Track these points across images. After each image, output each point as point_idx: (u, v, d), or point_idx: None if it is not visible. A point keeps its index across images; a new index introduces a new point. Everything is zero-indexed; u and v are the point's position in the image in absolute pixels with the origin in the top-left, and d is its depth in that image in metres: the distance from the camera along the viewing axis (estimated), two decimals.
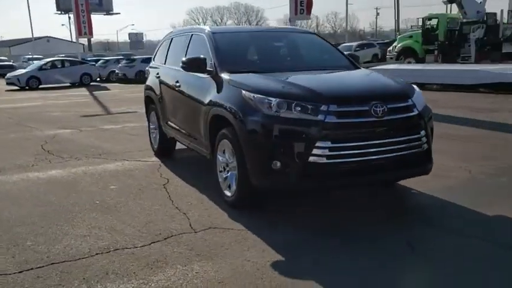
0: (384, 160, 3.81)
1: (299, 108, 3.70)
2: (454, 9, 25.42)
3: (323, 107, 3.66)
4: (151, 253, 3.39)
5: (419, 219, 4.00)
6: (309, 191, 4.41)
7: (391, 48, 26.55)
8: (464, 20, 22.38)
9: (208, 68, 4.71)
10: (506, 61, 20.29)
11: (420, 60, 22.79)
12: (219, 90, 4.49)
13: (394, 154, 3.84)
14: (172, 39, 6.40)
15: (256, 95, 3.88)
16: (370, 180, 3.94)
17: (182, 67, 4.86)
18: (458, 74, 15.00)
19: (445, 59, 21.59)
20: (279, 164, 3.71)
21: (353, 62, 5.28)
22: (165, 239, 3.64)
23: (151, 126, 6.92)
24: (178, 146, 6.42)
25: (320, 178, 3.72)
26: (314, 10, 16.12)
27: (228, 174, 4.35)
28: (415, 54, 23.26)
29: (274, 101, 3.76)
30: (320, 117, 3.64)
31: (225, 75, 4.51)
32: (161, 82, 6.14)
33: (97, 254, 3.39)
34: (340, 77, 4.73)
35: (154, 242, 3.58)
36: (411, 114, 3.94)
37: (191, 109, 5.09)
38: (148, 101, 6.85)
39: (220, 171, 4.52)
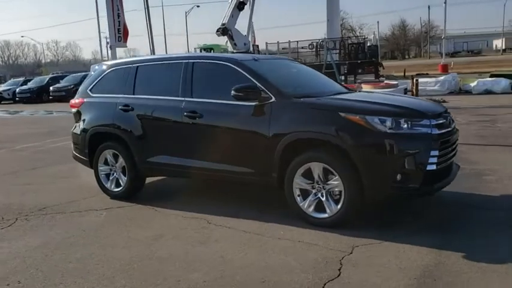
0: (453, 163, 4.67)
1: (407, 125, 4.21)
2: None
3: (425, 121, 4.28)
4: (366, 276, 3.39)
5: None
6: (421, 196, 4.82)
7: None
8: (235, 51, 25.14)
9: (263, 95, 4.68)
10: None
11: None
12: (287, 116, 4.54)
13: (454, 157, 4.75)
14: (137, 68, 5.79)
15: (368, 116, 4.21)
16: (451, 180, 4.69)
17: (236, 96, 4.66)
18: None
19: None
20: (401, 176, 4.14)
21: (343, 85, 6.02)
22: (340, 266, 3.62)
23: (101, 168, 5.98)
24: None
25: (431, 183, 4.31)
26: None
27: (320, 195, 4.46)
28: None
29: (388, 119, 4.18)
30: (428, 130, 4.26)
31: (294, 100, 4.62)
32: (142, 116, 5.51)
33: None
34: (391, 97, 5.39)
35: (342, 265, 3.54)
36: (454, 123, 4.93)
37: (236, 141, 4.87)
38: (98, 140, 5.93)
39: (299, 195, 4.56)
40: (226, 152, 4.99)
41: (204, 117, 5.04)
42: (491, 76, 20.22)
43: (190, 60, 5.38)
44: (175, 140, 5.32)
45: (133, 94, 5.70)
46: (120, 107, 5.69)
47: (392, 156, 4.14)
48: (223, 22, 24.65)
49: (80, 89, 6.39)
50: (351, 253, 3.83)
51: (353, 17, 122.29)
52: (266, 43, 24.67)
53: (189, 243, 4.24)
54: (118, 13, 14.50)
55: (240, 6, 24.85)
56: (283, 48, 24.90)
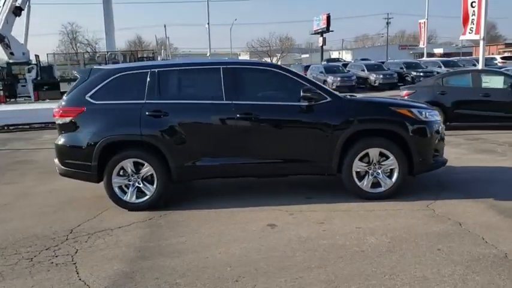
0: None
1: (429, 114, 5.75)
2: None
3: (434, 112, 5.90)
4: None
5: None
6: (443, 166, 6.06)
7: None
8: (12, 61, 22.34)
9: (321, 96, 5.48)
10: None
11: None
12: (347, 112, 5.48)
13: None
14: (158, 72, 5.62)
15: (412, 109, 5.56)
16: None
17: (304, 96, 5.32)
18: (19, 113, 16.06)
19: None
20: (436, 151, 5.67)
21: None
22: (446, 218, 4.86)
23: (115, 180, 5.48)
24: None
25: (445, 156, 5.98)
26: None
27: (376, 174, 5.54)
28: None
29: (423, 111, 5.64)
30: (439, 118, 5.90)
31: (347, 99, 5.65)
32: (181, 120, 5.46)
33: None
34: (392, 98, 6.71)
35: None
36: None
37: (297, 136, 5.48)
38: (111, 150, 5.48)
39: (356, 177, 5.55)
40: (287, 147, 5.52)
41: (260, 118, 5.46)
42: None
43: (228, 66, 5.64)
44: (227, 141, 5.50)
45: (160, 100, 5.54)
46: (147, 112, 5.44)
47: (430, 137, 5.60)
48: None
49: (72, 95, 5.64)
50: (434, 209, 5.10)
51: (88, 32, 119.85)
52: (48, 54, 22.74)
53: (309, 226, 4.73)
54: None
55: (16, 12, 22.23)
56: (70, 59, 23.37)
